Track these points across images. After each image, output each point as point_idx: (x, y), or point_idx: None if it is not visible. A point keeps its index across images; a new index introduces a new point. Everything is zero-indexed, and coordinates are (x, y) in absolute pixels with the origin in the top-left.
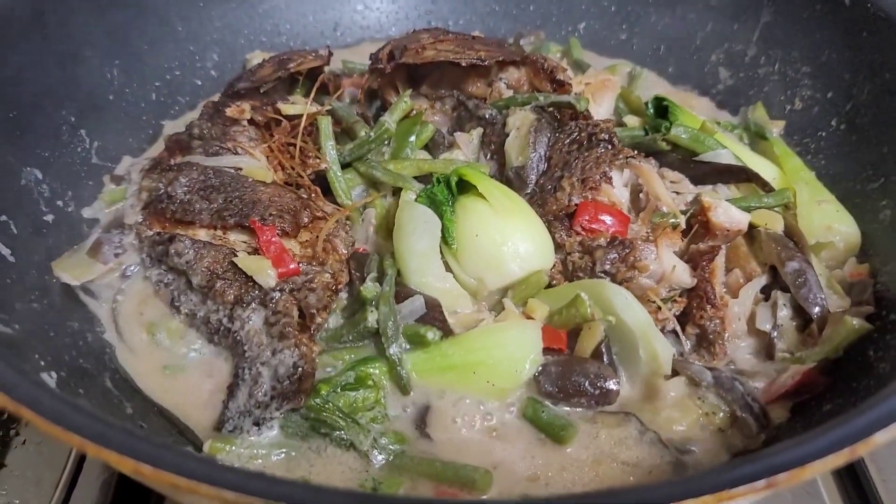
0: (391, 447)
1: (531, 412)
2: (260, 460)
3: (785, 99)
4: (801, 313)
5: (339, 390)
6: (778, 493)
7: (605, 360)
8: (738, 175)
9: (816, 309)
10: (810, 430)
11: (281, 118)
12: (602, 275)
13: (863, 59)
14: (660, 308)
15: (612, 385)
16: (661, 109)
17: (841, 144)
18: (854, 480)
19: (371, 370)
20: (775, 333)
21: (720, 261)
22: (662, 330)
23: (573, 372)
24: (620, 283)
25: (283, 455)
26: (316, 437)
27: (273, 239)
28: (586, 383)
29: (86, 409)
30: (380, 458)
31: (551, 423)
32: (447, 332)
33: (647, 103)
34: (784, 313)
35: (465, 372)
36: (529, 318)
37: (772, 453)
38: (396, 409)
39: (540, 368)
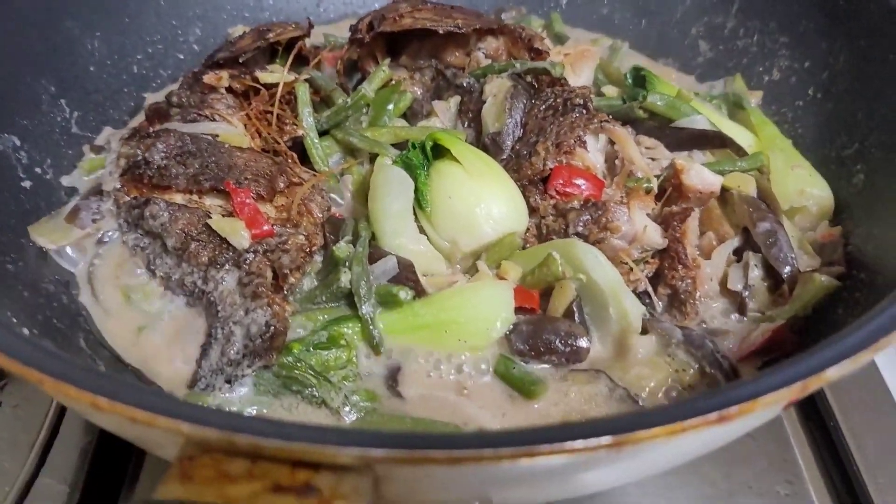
0: (362, 404)
1: (502, 368)
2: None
3: (763, 70)
4: (772, 273)
5: (311, 349)
6: (754, 460)
7: (576, 318)
8: (713, 141)
9: (787, 268)
10: None
11: (259, 86)
12: (575, 237)
13: (839, 27)
14: (632, 269)
15: (582, 343)
16: (640, 79)
17: (817, 113)
18: (845, 480)
19: (344, 330)
20: (746, 293)
21: (693, 223)
22: (635, 291)
23: (544, 330)
24: (593, 244)
25: (254, 411)
26: (287, 394)
27: (247, 201)
28: (557, 341)
29: (48, 349)
30: (351, 415)
31: (521, 379)
32: (420, 292)
33: (626, 74)
34: (755, 273)
35: (437, 331)
36: (502, 279)
37: (726, 389)
38: (368, 368)
39: (511, 327)
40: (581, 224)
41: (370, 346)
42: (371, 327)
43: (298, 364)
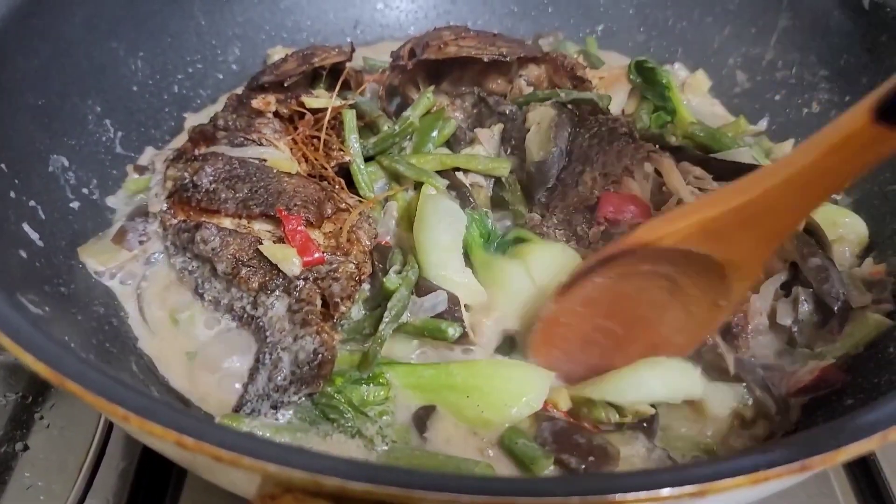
0: (394, 440)
1: (507, 441)
2: None
3: (802, 102)
4: (821, 309)
5: (352, 383)
6: (793, 493)
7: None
8: None
9: (838, 303)
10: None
11: (305, 111)
12: None
13: (881, 63)
14: None
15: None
16: (647, 73)
17: None
18: (868, 480)
19: (385, 372)
20: (796, 328)
21: None
22: None
23: (579, 433)
24: None
25: (287, 438)
26: (324, 422)
27: (299, 228)
28: (587, 447)
29: (127, 383)
30: (383, 446)
31: (524, 454)
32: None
33: (629, 66)
34: (805, 308)
35: (461, 393)
36: (554, 406)
37: (806, 437)
38: (402, 408)
39: (541, 418)
40: None
41: (361, 364)
42: (377, 346)
43: (339, 395)
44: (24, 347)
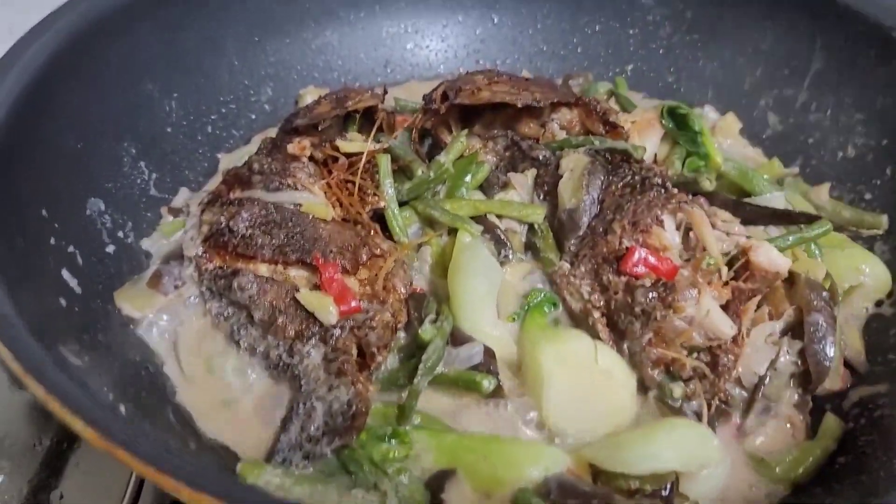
0: (408, 499)
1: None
2: (283, 491)
3: (837, 145)
4: (802, 365)
5: (375, 439)
6: None
7: None
8: (792, 219)
9: (818, 363)
10: None
11: (339, 155)
12: (639, 311)
13: None
14: (683, 364)
15: None
16: (679, 119)
17: None
18: None
19: (409, 432)
20: (768, 377)
21: (753, 304)
22: (678, 375)
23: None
24: (654, 321)
25: (307, 488)
26: (343, 475)
27: (335, 276)
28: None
29: (173, 449)
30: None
31: None
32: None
33: (661, 111)
34: (784, 360)
35: (479, 455)
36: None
37: None
38: (419, 469)
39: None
40: (647, 300)
41: (399, 417)
42: (413, 400)
43: (362, 450)
44: (73, 411)
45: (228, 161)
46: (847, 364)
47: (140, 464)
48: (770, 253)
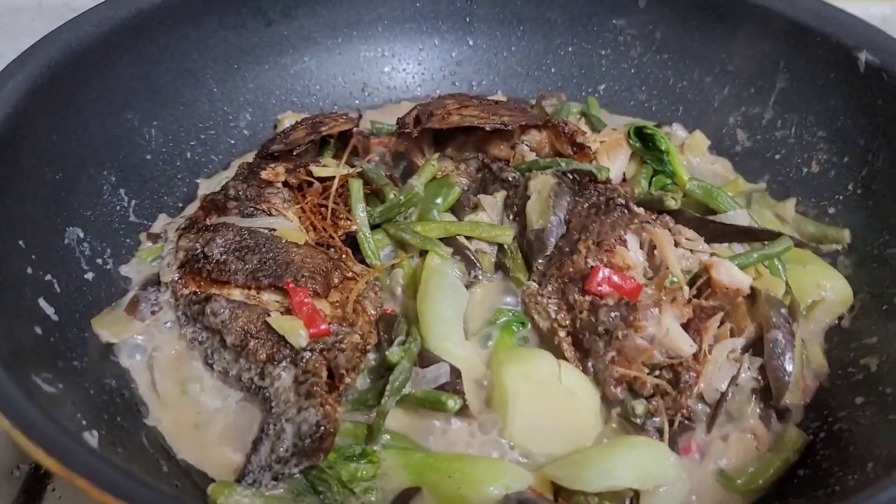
0: None
1: None
2: None
3: (802, 162)
4: (763, 380)
5: (344, 459)
6: None
7: None
8: (755, 236)
9: (777, 379)
10: None
11: (313, 180)
12: (602, 330)
13: (878, 126)
14: (644, 382)
15: None
16: (646, 138)
17: (857, 209)
18: None
19: (377, 450)
20: (730, 393)
21: (715, 323)
22: (640, 392)
23: None
24: (616, 339)
25: None
26: (311, 495)
27: (305, 300)
28: None
29: (135, 474)
30: None
31: None
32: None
33: (628, 131)
34: (744, 376)
35: (444, 474)
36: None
37: None
38: (386, 488)
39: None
40: (609, 319)
41: (368, 437)
42: (381, 420)
43: (330, 471)
44: (36, 441)
45: (207, 186)
46: (809, 378)
47: (98, 491)
48: (731, 270)
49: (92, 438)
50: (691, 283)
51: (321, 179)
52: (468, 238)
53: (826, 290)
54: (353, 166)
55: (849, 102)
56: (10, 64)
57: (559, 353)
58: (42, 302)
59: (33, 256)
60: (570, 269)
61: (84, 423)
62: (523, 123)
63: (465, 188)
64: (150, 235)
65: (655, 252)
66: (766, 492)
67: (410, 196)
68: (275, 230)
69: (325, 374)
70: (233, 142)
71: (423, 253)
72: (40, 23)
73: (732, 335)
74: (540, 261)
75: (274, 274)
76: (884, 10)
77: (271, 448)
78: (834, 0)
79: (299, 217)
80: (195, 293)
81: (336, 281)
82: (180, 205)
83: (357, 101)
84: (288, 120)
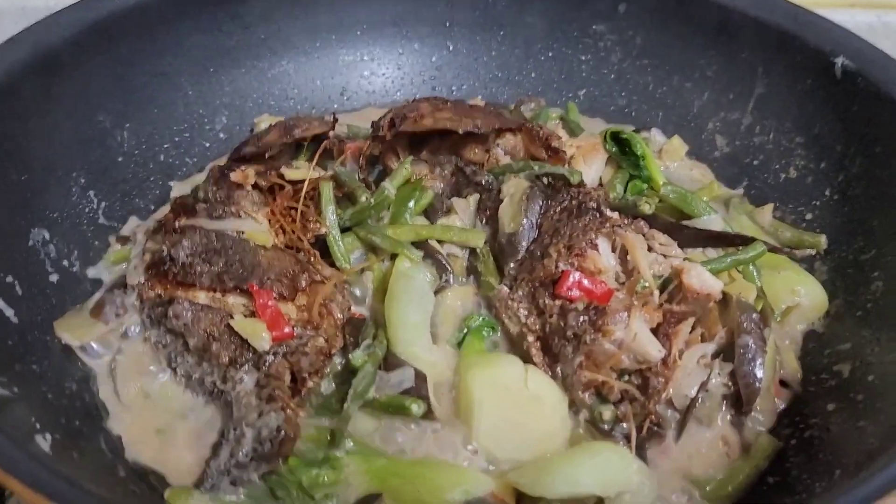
0: None
1: None
2: None
3: (780, 167)
4: (733, 386)
5: (305, 464)
6: None
7: None
8: (728, 241)
9: (748, 385)
10: None
11: (284, 183)
12: (571, 335)
13: (854, 132)
14: (612, 387)
15: None
16: (622, 143)
17: (834, 214)
18: None
19: (340, 455)
20: (700, 399)
21: (685, 328)
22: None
23: None
24: (584, 344)
25: None
26: (271, 501)
27: (269, 303)
28: None
29: (73, 480)
30: None
31: None
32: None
33: (604, 136)
34: (714, 381)
35: (406, 480)
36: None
37: None
38: (348, 494)
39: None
40: (577, 324)
41: (331, 442)
42: (343, 424)
43: (291, 476)
44: None
45: (180, 189)
46: (783, 384)
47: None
48: (702, 275)
49: (44, 442)
50: (663, 288)
51: (293, 182)
52: (440, 242)
53: (801, 295)
54: (325, 169)
55: (826, 108)
56: None
57: (529, 358)
58: (1, 303)
59: None
60: (541, 273)
61: (38, 426)
62: (497, 127)
63: (439, 192)
64: (119, 238)
65: (628, 257)
66: (735, 499)
67: (381, 199)
68: (243, 233)
69: (287, 377)
70: (208, 145)
71: (394, 256)
72: (23, 27)
73: (703, 340)
74: (511, 265)
75: (239, 276)
76: (869, 19)
77: (231, 453)
78: (819, 8)
79: (269, 220)
80: (159, 296)
81: (303, 284)
82: (152, 207)
83: (336, 105)
84: (264, 123)
